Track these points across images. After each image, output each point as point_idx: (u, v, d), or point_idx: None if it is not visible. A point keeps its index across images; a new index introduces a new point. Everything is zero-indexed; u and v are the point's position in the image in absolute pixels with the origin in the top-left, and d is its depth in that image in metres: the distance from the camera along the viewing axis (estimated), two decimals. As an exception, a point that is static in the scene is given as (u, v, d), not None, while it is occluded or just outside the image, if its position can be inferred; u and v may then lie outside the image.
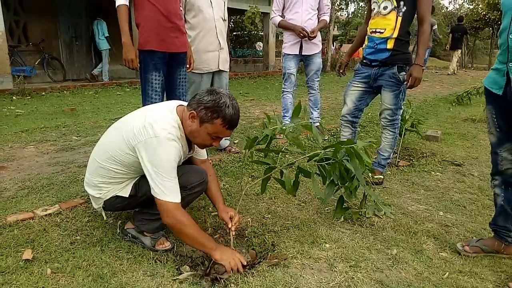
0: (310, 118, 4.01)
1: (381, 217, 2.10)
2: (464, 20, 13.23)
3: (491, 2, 15.14)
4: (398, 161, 3.19)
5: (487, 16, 15.46)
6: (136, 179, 1.80)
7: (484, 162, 3.16)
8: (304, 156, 1.83)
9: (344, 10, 22.59)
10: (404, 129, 3.40)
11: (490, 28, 16.60)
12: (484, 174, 2.89)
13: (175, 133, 1.63)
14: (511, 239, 1.75)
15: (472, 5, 18.43)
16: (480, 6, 15.92)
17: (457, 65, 12.45)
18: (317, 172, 1.88)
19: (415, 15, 2.55)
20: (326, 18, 3.83)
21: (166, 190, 1.58)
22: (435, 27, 10.26)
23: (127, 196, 1.80)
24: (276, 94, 7.13)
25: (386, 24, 2.51)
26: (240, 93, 7.52)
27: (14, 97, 6.74)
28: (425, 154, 3.43)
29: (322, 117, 4.51)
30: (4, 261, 1.65)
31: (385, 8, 2.52)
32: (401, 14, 2.48)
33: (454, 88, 8.30)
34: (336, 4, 19.05)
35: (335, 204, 2.03)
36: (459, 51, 12.08)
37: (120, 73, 11.20)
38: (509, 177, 1.71)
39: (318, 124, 4.01)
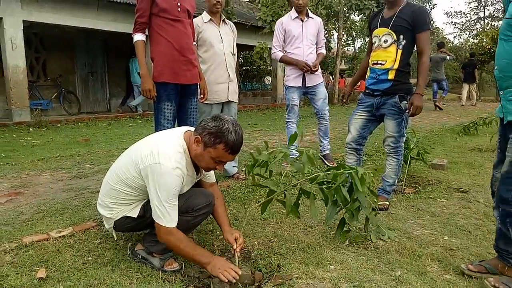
0: (320, 147, 4.10)
1: (386, 240, 2.13)
2: (476, 55, 13.68)
3: (495, 36, 15.46)
4: (404, 189, 3.23)
5: (492, 50, 15.72)
6: (145, 201, 1.88)
7: (489, 189, 3.17)
8: (306, 178, 1.90)
9: (351, 45, 23.22)
10: (409, 157, 3.46)
11: (496, 61, 16.79)
12: (490, 200, 2.88)
13: (180, 159, 1.74)
14: None
15: (477, 39, 18.80)
16: (485, 40, 16.24)
17: (477, 95, 12.80)
18: (318, 194, 1.95)
19: (414, 48, 2.69)
20: (323, 51, 4.00)
21: (162, 215, 1.69)
22: (448, 59, 10.61)
23: (136, 216, 1.88)
24: (283, 125, 7.23)
25: (387, 56, 2.65)
26: (249, 124, 7.69)
27: (31, 129, 7.01)
28: (431, 182, 3.46)
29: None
30: (20, 279, 1.72)
31: (385, 41, 2.67)
32: (401, 47, 2.62)
33: (461, 119, 8.36)
34: (342, 40, 19.64)
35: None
36: (474, 84, 12.42)
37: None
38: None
39: (328, 152, 4.08)
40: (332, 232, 2.29)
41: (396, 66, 2.62)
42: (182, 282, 1.78)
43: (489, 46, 15.77)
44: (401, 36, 2.60)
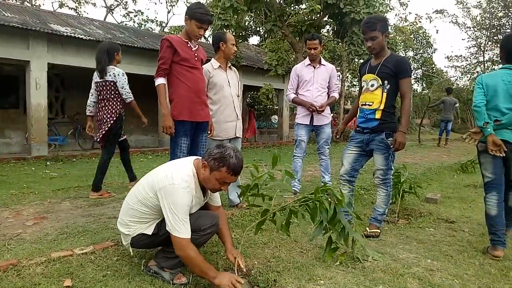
0: (322, 182, 4.37)
1: (371, 261, 2.37)
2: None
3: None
4: (397, 220, 3.46)
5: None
6: (159, 220, 2.18)
7: (475, 220, 3.41)
8: (294, 200, 2.20)
9: (356, 86, 23.98)
10: (401, 191, 3.72)
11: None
12: (474, 230, 3.13)
13: (190, 181, 2.06)
14: None
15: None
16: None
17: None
18: (307, 215, 2.24)
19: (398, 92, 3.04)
20: (335, 95, 4.39)
21: (178, 228, 1.98)
22: (457, 105, 11.51)
23: (151, 234, 2.17)
24: (288, 161, 7.56)
25: (374, 98, 3.01)
26: (254, 160, 8.01)
27: (48, 163, 7.41)
28: (423, 214, 3.69)
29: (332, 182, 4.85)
30: (49, 287, 1.99)
31: (372, 85, 3.04)
32: (386, 90, 2.98)
33: (461, 157, 8.58)
34: (347, 81, 20.38)
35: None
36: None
37: (144, 142, 12.01)
38: None
39: (326, 184, 4.34)
40: (325, 254, 2.53)
41: (382, 107, 2.97)
42: (190, 293, 2.03)
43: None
44: (386, 81, 2.97)
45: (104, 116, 4.11)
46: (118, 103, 4.17)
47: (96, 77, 4.17)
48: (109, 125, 4.09)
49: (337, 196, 2.07)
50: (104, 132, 4.11)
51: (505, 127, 2.63)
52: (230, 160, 2.03)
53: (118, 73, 4.10)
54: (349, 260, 2.38)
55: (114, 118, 4.11)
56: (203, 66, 3.27)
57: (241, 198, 2.25)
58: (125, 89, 4.13)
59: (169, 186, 2.00)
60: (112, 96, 4.13)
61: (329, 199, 2.13)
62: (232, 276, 2.00)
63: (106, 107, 4.12)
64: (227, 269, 2.35)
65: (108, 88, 4.11)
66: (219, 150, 2.06)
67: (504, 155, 2.61)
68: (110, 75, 4.09)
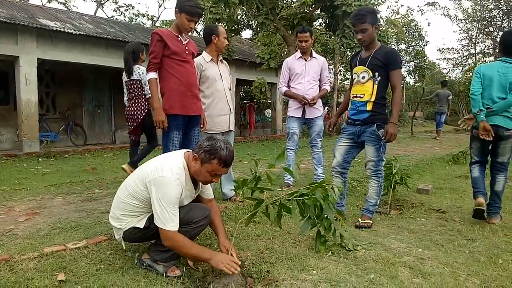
0: (315, 175, 4.40)
1: (359, 250, 2.40)
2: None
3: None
4: (390, 211, 3.50)
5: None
6: (150, 213, 2.17)
7: (466, 210, 3.46)
8: (286, 194, 2.22)
9: (349, 79, 24.02)
10: (393, 182, 3.76)
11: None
12: (465, 219, 3.18)
13: (180, 173, 2.07)
14: None
15: (469, 73, 19.44)
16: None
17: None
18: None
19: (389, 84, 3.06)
20: (327, 87, 4.39)
21: (165, 220, 1.99)
22: (451, 97, 11.74)
23: (142, 227, 2.17)
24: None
25: (365, 90, 3.02)
26: (248, 154, 8.02)
27: (40, 159, 7.35)
28: (414, 205, 3.74)
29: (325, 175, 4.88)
30: (43, 281, 1.99)
31: (363, 77, 3.05)
32: (376, 82, 3.00)
33: (453, 149, 8.66)
34: (340, 75, 20.38)
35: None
36: None
37: (137, 138, 11.88)
38: None
39: (322, 180, 4.37)
40: (317, 247, 2.55)
41: (373, 99, 2.98)
42: (183, 285, 2.05)
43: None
44: (377, 73, 2.98)
45: (134, 112, 4.48)
46: (146, 100, 4.50)
47: (124, 77, 4.56)
48: (139, 120, 4.45)
49: (331, 192, 2.10)
50: (134, 127, 4.49)
51: (496, 113, 3.01)
52: (221, 152, 2.03)
53: (142, 72, 4.41)
54: (341, 251, 2.41)
55: (143, 114, 4.45)
56: (194, 60, 3.25)
57: (237, 192, 2.27)
58: (147, 85, 4.28)
59: (159, 178, 2.01)
60: (139, 94, 4.48)
61: (321, 196, 2.16)
62: (228, 257, 2.03)
63: (136, 104, 4.49)
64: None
65: (135, 86, 4.48)
66: (209, 142, 2.07)
67: (491, 139, 3.01)
68: (136, 74, 4.44)
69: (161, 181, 2.00)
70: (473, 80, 3.12)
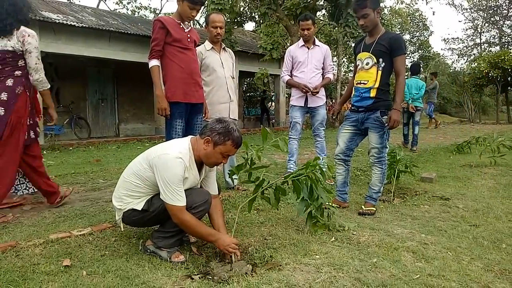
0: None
1: (354, 231, 2.47)
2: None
3: (492, 61, 15.95)
4: (393, 199, 3.49)
5: (489, 74, 16.15)
6: (149, 196, 2.19)
7: (470, 197, 3.45)
8: (282, 176, 2.25)
9: (352, 72, 23.90)
10: (397, 170, 3.75)
11: (494, 85, 17.18)
12: (469, 206, 3.17)
13: (185, 154, 2.09)
14: None
15: (475, 63, 19.29)
16: (482, 65, 16.68)
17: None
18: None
19: (393, 70, 3.04)
20: (330, 76, 4.35)
21: (172, 196, 2.01)
22: (437, 87, 12.16)
23: (140, 209, 2.18)
24: (284, 145, 7.60)
25: (369, 77, 3.00)
26: (251, 145, 8.02)
27: (44, 152, 7.39)
28: (418, 193, 3.73)
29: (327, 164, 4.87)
30: (49, 266, 2.01)
31: (367, 64, 3.02)
32: (380, 68, 2.97)
33: (457, 139, 8.62)
34: (344, 66, 20.28)
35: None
36: None
37: (141, 130, 11.98)
38: None
39: (325, 169, 4.36)
40: (321, 232, 2.56)
41: (377, 85, 2.96)
42: (187, 270, 2.06)
43: (486, 71, 16.20)
44: (381, 59, 2.95)
45: None
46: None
47: None
48: None
49: (322, 171, 2.13)
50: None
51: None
52: (234, 133, 2.09)
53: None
54: (344, 236, 2.42)
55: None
56: (196, 48, 3.24)
57: (232, 179, 2.31)
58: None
59: (163, 156, 2.04)
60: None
61: (313, 175, 2.20)
62: (231, 240, 2.07)
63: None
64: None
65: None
66: (222, 124, 2.10)
67: None
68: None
69: (165, 158, 2.03)
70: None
